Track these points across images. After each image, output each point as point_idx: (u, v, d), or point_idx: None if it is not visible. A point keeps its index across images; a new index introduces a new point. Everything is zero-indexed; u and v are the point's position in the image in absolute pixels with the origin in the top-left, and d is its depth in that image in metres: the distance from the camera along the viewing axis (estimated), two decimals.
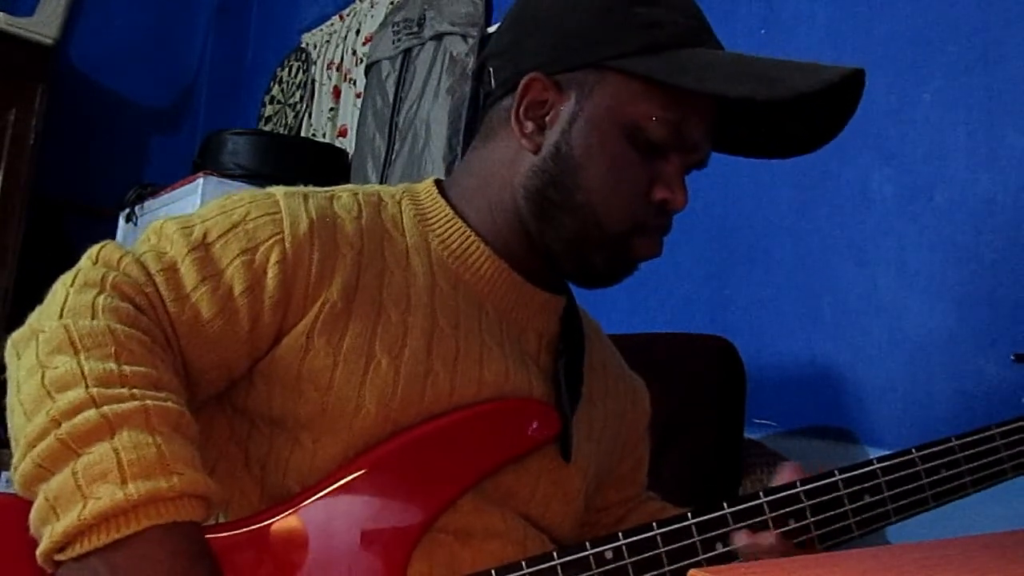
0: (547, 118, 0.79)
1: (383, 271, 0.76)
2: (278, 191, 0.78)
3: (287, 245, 0.73)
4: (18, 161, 2.66)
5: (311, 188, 0.80)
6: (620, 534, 0.72)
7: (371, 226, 0.78)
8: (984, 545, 0.62)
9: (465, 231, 0.81)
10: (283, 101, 3.12)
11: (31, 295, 0.70)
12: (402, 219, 0.81)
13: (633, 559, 0.71)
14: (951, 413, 1.26)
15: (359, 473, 0.72)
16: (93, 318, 0.65)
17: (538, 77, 0.78)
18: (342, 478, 0.72)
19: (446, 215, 0.82)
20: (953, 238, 1.30)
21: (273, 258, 0.72)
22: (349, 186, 0.83)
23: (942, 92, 1.35)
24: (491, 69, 0.84)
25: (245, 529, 0.70)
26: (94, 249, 0.73)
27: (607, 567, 0.71)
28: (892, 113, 1.40)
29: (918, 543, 0.61)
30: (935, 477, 0.79)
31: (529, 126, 0.79)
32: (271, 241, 0.73)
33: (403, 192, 0.84)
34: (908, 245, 1.35)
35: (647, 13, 0.78)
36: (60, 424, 0.58)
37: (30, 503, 0.59)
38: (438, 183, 0.85)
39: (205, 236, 0.73)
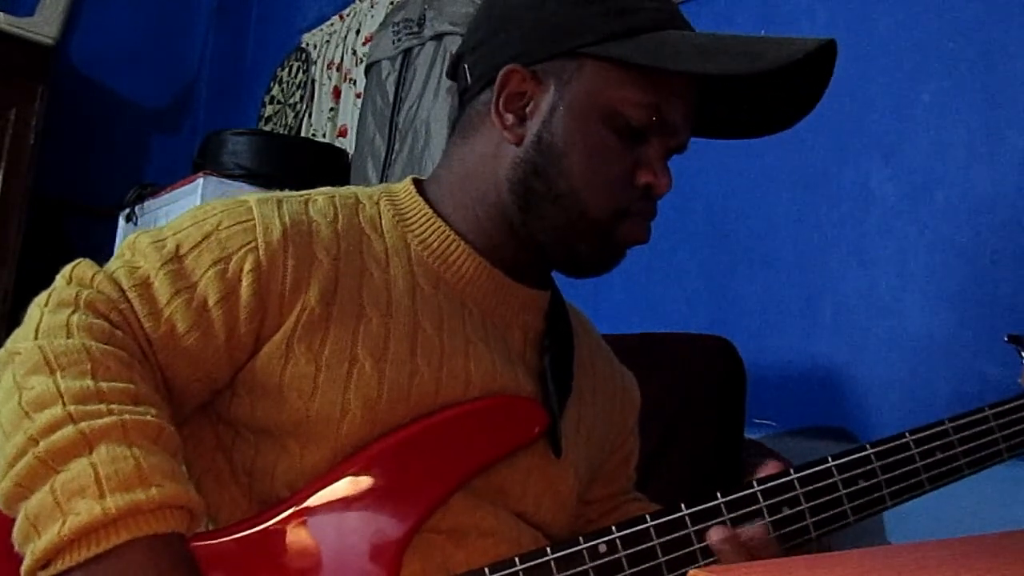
0: (527, 109, 0.78)
1: (362, 274, 0.76)
2: (251, 198, 0.77)
3: (260, 253, 0.72)
4: (18, 161, 2.66)
5: (286, 193, 0.79)
6: (614, 527, 0.72)
7: (348, 229, 0.78)
8: (984, 546, 0.62)
9: (445, 230, 0.81)
10: (283, 101, 3.12)
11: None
12: (380, 220, 0.80)
13: (627, 552, 0.71)
14: (951, 413, 1.26)
15: (348, 476, 0.72)
16: (68, 337, 0.65)
17: (516, 69, 0.78)
18: (331, 481, 0.72)
19: (425, 214, 0.81)
20: (953, 238, 1.30)
21: (247, 267, 0.72)
22: (325, 189, 0.82)
23: (942, 92, 1.35)
24: (466, 66, 0.83)
25: (233, 536, 0.70)
26: (67, 268, 0.72)
27: (601, 561, 0.71)
28: (892, 113, 1.40)
29: (918, 543, 0.61)
30: (930, 460, 0.78)
31: (510, 118, 0.79)
32: (244, 250, 0.72)
33: (381, 193, 0.84)
34: (908, 245, 1.35)
35: (619, 0, 0.78)
36: (38, 442, 0.58)
37: (14, 520, 0.59)
38: (416, 182, 0.85)
39: (178, 248, 0.72)
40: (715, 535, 0.72)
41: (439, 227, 0.81)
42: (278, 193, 0.79)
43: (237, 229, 0.73)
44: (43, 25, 2.75)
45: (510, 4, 0.82)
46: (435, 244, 0.80)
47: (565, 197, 0.77)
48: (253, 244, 0.72)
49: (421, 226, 0.81)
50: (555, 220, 0.78)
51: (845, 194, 1.45)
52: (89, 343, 0.64)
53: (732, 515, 0.74)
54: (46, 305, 0.68)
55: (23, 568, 0.57)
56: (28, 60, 2.72)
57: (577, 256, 0.80)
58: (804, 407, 1.44)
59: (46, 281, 0.71)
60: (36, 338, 0.65)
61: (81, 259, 0.73)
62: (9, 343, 0.67)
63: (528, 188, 0.78)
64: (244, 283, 0.71)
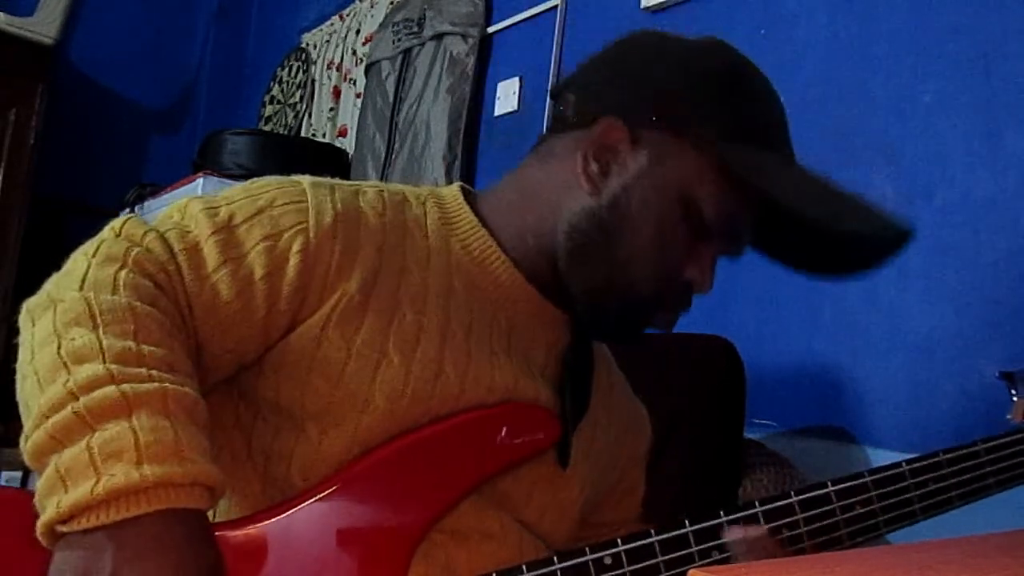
0: (613, 166, 0.78)
1: (402, 270, 0.77)
2: (305, 180, 0.78)
3: (311, 235, 0.73)
4: (18, 161, 2.66)
5: (338, 180, 0.80)
6: (619, 540, 0.73)
7: (394, 224, 0.78)
8: (984, 545, 0.62)
9: (487, 238, 0.81)
10: (283, 101, 3.13)
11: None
12: (425, 220, 0.81)
13: (631, 567, 0.72)
14: (950, 414, 1.26)
15: (361, 474, 0.72)
16: (114, 293, 0.64)
17: (619, 125, 0.77)
18: (344, 479, 0.72)
19: (470, 221, 0.82)
20: (953, 238, 1.30)
21: (296, 246, 0.72)
22: (374, 182, 0.83)
23: (942, 92, 1.35)
24: (571, 97, 0.83)
25: (246, 529, 0.70)
26: (117, 222, 0.72)
27: (606, 573, 0.72)
28: (892, 113, 1.40)
29: (918, 543, 0.61)
30: (923, 491, 0.80)
31: (595, 167, 0.78)
32: (295, 229, 0.73)
33: (428, 194, 0.84)
34: (908, 245, 1.35)
35: (739, 101, 0.79)
36: (78, 397, 0.58)
37: (29, 497, 0.59)
38: (464, 190, 0.85)
39: (231, 219, 0.73)
40: (733, 534, 0.74)
41: (482, 235, 0.81)
42: (330, 179, 0.80)
43: (290, 208, 0.74)
44: (43, 25, 2.74)
45: (637, 62, 0.81)
46: (476, 250, 0.81)
47: (619, 265, 0.77)
48: (304, 225, 0.73)
49: (465, 231, 0.82)
50: (599, 280, 0.78)
51: None
52: (135, 303, 0.64)
53: (731, 517, 0.75)
54: (93, 256, 0.68)
55: (41, 520, 0.57)
56: (28, 60, 2.72)
57: (602, 318, 0.81)
58: (804, 407, 1.44)
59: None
60: (82, 289, 0.65)
61: (130, 215, 0.74)
62: (51, 288, 0.67)
63: (587, 240, 0.78)
64: (291, 262, 0.72)
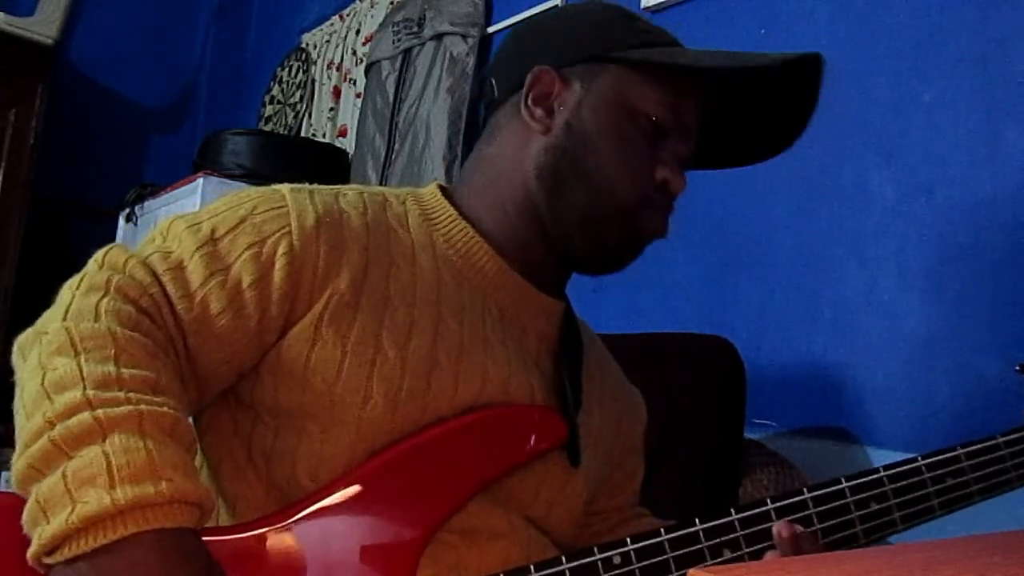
0: (555, 105, 0.83)
1: (390, 265, 0.77)
2: (284, 187, 0.79)
3: (294, 238, 0.74)
4: (18, 161, 2.66)
5: (316, 185, 0.81)
6: (628, 539, 0.72)
7: (377, 222, 0.79)
8: (985, 545, 0.62)
9: (469, 231, 0.83)
10: (283, 101, 3.12)
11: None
12: (407, 218, 0.83)
13: (641, 564, 0.71)
14: (951, 413, 1.26)
15: (368, 476, 0.72)
16: (95, 321, 0.65)
17: (546, 69, 0.83)
18: (351, 481, 0.72)
19: (450, 215, 0.84)
20: (953, 238, 1.30)
21: (280, 251, 0.73)
22: (353, 185, 0.84)
23: (942, 92, 1.35)
24: (493, 80, 0.88)
25: (253, 532, 0.70)
26: (100, 253, 0.73)
27: (615, 572, 0.71)
28: (892, 113, 1.40)
29: (919, 543, 0.61)
30: (941, 486, 0.78)
31: (539, 111, 0.83)
32: (278, 234, 0.74)
33: (407, 193, 0.86)
34: (908, 245, 1.35)
35: (640, 25, 0.86)
36: (54, 426, 0.58)
37: (25, 502, 0.59)
38: (441, 188, 0.87)
39: (213, 232, 0.73)
40: (784, 530, 0.74)
41: (463, 227, 0.83)
42: (308, 184, 0.81)
43: (272, 214, 0.75)
44: (43, 25, 2.74)
45: (540, 26, 0.89)
46: (459, 243, 0.83)
47: (593, 178, 0.81)
48: (287, 229, 0.74)
49: (446, 225, 0.83)
50: (583, 203, 0.81)
51: (845, 194, 1.45)
52: (115, 328, 0.65)
53: (744, 532, 0.74)
54: (77, 288, 0.69)
55: (30, 552, 0.57)
56: (28, 60, 2.72)
57: (603, 243, 0.83)
58: (804, 407, 1.44)
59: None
60: (64, 320, 0.65)
61: (114, 244, 0.75)
62: (38, 324, 0.68)
63: (556, 172, 0.82)
64: (277, 266, 0.73)
